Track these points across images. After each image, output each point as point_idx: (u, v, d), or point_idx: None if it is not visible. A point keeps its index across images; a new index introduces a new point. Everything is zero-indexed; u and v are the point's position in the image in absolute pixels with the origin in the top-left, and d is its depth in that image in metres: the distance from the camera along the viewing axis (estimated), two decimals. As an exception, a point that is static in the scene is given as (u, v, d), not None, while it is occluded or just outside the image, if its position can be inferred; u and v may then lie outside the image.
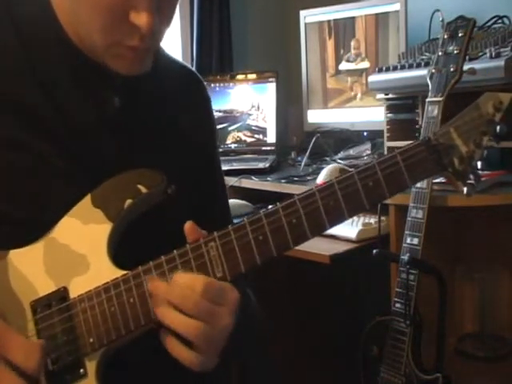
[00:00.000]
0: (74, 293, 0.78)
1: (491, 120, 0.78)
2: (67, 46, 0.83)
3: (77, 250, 0.80)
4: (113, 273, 0.78)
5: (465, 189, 0.78)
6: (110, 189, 0.82)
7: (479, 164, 0.79)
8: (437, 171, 0.79)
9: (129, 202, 0.80)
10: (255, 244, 0.76)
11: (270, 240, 0.76)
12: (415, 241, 1.45)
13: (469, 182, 0.78)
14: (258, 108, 2.47)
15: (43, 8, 0.84)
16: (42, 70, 0.83)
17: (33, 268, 0.80)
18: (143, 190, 0.81)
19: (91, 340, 0.77)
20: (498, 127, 0.78)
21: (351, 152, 2.20)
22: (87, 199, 0.81)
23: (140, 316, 0.76)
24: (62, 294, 0.78)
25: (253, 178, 2.09)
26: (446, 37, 1.48)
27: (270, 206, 0.77)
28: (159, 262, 0.77)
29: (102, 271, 0.79)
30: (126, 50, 0.79)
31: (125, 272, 0.78)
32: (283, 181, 1.99)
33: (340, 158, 2.15)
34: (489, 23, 1.85)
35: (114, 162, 0.84)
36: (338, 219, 0.77)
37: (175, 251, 0.77)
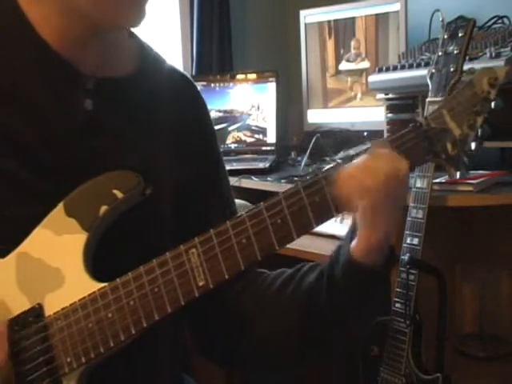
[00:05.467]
0: (50, 309, 0.75)
1: (486, 98, 0.73)
2: (35, 42, 0.79)
3: (51, 264, 0.76)
4: (90, 286, 0.75)
5: (458, 173, 0.74)
6: (84, 196, 0.77)
7: (473, 145, 0.73)
8: (429, 159, 0.74)
9: (104, 208, 0.76)
10: (238, 248, 0.71)
11: (254, 243, 0.71)
12: (415, 241, 1.45)
13: (462, 164, 0.73)
14: (258, 108, 2.47)
15: (11, 8, 0.79)
16: (5, 67, 0.79)
17: (5, 285, 0.76)
18: (119, 194, 0.76)
19: (68, 360, 0.74)
20: (493, 103, 0.73)
21: (351, 152, 2.20)
22: (60, 208, 0.76)
23: (119, 332, 0.73)
24: (37, 312, 0.75)
25: (253, 177, 2.08)
26: (445, 37, 1.48)
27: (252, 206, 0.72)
28: (138, 273, 0.73)
29: (78, 284, 0.75)
30: None
31: (102, 285, 0.74)
32: (283, 181, 1.99)
33: (340, 158, 2.15)
34: (489, 23, 1.84)
35: (86, 169, 0.78)
36: (325, 216, 0.72)
37: (154, 261, 0.73)
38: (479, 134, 0.73)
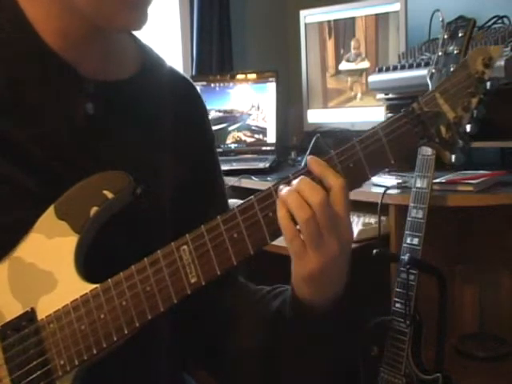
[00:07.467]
0: (42, 313, 0.75)
1: (480, 79, 0.70)
2: (35, 43, 0.79)
3: (43, 267, 0.75)
4: (82, 288, 0.74)
5: (453, 157, 0.71)
6: (74, 198, 0.76)
7: (468, 127, 0.71)
8: (422, 144, 0.72)
9: (95, 209, 0.75)
10: (230, 243, 0.70)
11: (246, 237, 0.70)
12: (415, 241, 1.45)
13: (458, 147, 0.71)
14: (258, 108, 2.47)
15: (11, 10, 0.79)
16: (4, 68, 0.78)
17: None
18: (109, 195, 0.75)
19: (62, 362, 0.74)
20: (489, 83, 0.70)
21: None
22: (50, 211, 0.76)
23: (112, 333, 0.73)
24: (29, 316, 0.75)
25: (253, 177, 2.09)
26: (446, 37, 1.48)
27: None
28: (130, 272, 0.73)
29: (70, 287, 0.74)
30: None
31: (94, 286, 0.74)
32: (283, 181, 1.99)
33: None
34: (489, 23, 1.85)
35: (86, 172, 0.77)
36: None
37: (146, 260, 0.72)
38: (474, 115, 0.71)
